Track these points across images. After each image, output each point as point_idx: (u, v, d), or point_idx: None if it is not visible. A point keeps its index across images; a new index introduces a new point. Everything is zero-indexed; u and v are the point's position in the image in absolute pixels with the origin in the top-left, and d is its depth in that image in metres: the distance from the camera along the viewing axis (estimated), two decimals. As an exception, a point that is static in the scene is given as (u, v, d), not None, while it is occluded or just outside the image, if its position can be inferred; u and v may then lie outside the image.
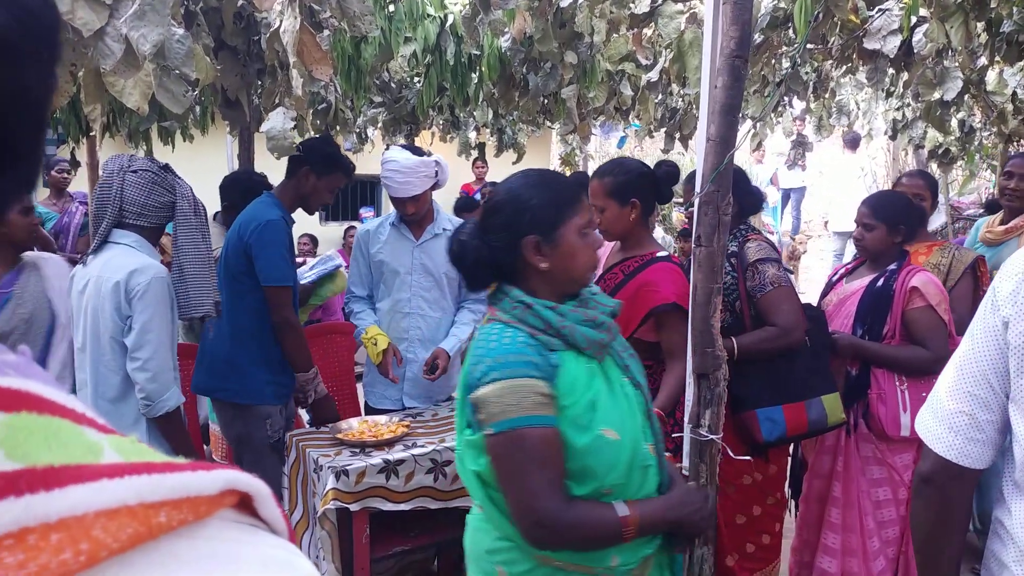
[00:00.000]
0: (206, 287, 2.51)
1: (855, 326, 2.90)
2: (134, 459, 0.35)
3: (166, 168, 2.50)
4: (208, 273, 2.52)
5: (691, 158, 11.89)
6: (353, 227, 8.79)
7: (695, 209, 2.02)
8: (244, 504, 0.39)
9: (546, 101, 5.26)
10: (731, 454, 2.08)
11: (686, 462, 2.06)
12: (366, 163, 10.41)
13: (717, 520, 2.80)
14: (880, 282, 2.88)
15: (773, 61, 4.62)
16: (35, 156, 0.39)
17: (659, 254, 2.60)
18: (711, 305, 1.96)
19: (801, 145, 10.22)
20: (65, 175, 6.15)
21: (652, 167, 2.70)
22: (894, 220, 2.91)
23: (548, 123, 6.90)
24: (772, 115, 7.12)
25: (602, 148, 13.71)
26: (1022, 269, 1.22)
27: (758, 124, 5.85)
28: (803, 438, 2.73)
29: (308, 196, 3.03)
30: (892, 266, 2.88)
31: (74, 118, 4.34)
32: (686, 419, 2.06)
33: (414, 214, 3.22)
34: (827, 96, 6.29)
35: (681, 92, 6.05)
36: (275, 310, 2.95)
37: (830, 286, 3.17)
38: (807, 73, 5.44)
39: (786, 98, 6.27)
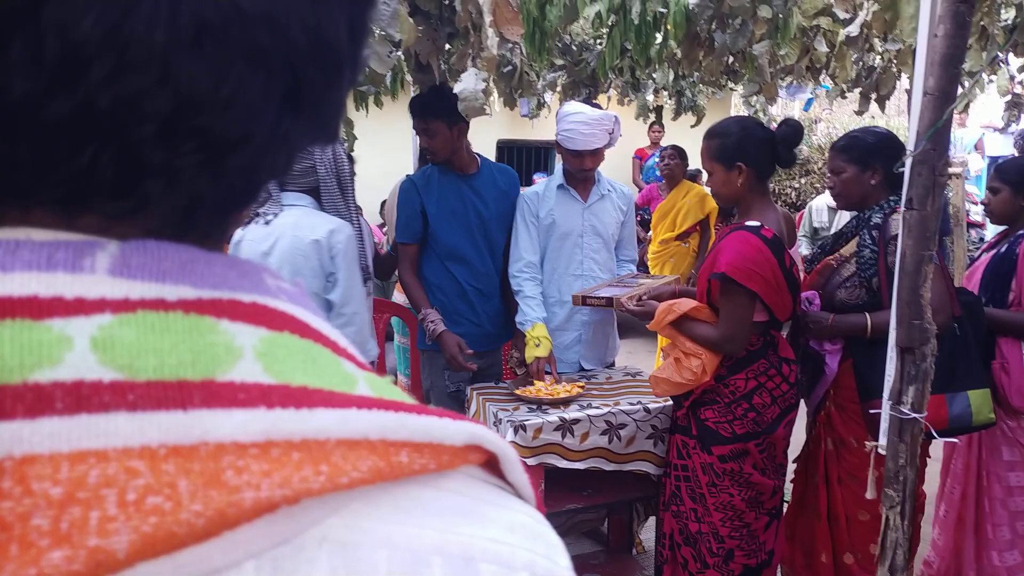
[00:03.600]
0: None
1: (980, 295, 2.75)
2: (385, 395, 0.34)
3: None
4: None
5: (886, 121, 11.05)
6: (527, 192, 8.89)
7: (907, 169, 1.87)
8: (491, 465, 0.38)
9: (731, 60, 5.04)
10: (935, 434, 1.93)
11: (883, 440, 1.94)
12: (542, 128, 10.50)
13: (839, 514, 2.65)
14: (1004, 248, 2.74)
15: (994, 10, 4.16)
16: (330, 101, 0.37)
17: (748, 223, 2.46)
18: (921, 274, 1.81)
19: (1016, 106, 9.20)
20: None
21: (753, 126, 2.57)
22: (1019, 182, 2.91)
23: (731, 84, 6.62)
24: (984, 73, 6.44)
25: (785, 110, 13.01)
26: None
27: (975, 79, 5.31)
28: (943, 436, 2.48)
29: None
30: (1021, 231, 2.72)
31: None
32: (885, 395, 1.93)
33: (591, 169, 3.19)
34: (1054, 50, 5.61)
35: (881, 48, 5.61)
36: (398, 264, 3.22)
37: (974, 261, 3.02)
38: (1033, 24, 4.87)
39: (1000, 53, 5.65)
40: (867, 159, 2.57)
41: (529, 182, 10.93)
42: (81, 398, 0.27)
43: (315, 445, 0.30)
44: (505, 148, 11.47)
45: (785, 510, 2.79)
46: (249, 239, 2.58)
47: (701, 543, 2.57)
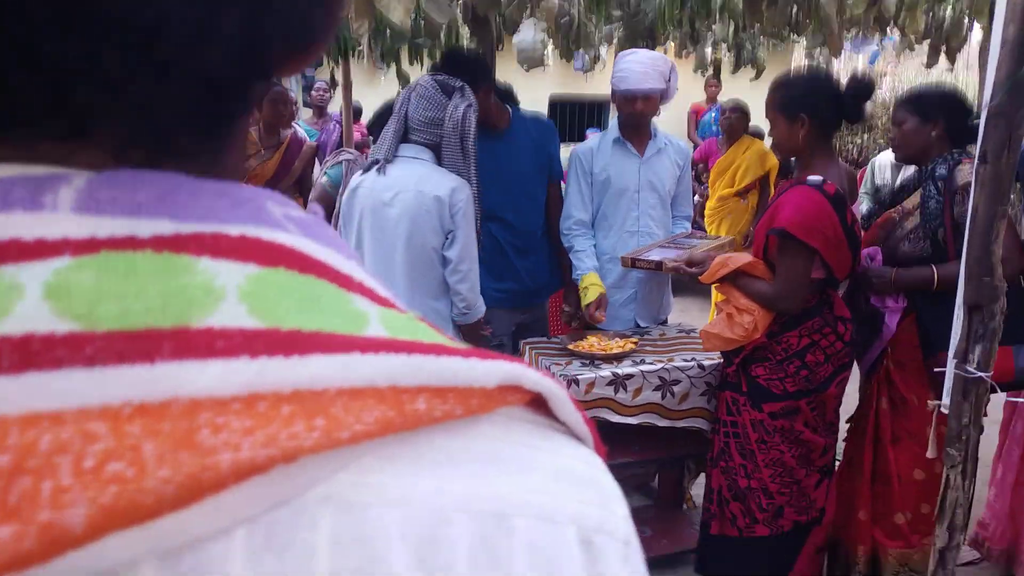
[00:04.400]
0: None
1: None
2: (402, 336, 0.30)
3: (457, 88, 2.57)
4: None
5: (954, 75, 10.60)
6: (580, 148, 8.78)
7: (982, 121, 1.81)
8: (539, 405, 0.33)
9: (795, 10, 4.88)
10: (999, 389, 1.89)
11: (946, 399, 1.90)
12: (596, 83, 10.34)
13: (890, 473, 2.63)
14: None
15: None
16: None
17: (810, 178, 2.40)
18: (993, 230, 1.76)
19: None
20: (323, 94, 6.66)
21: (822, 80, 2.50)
22: None
23: (793, 37, 6.42)
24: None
25: (849, 64, 12.57)
26: None
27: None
28: (1008, 388, 2.44)
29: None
30: None
31: (332, 40, 4.64)
32: (951, 353, 1.89)
33: (642, 113, 3.08)
34: None
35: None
36: None
37: None
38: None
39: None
40: (929, 111, 2.54)
41: (582, 138, 10.83)
42: (30, 354, 0.24)
43: (309, 396, 0.26)
44: (558, 104, 11.35)
45: (837, 469, 2.78)
46: (367, 186, 2.62)
47: (751, 498, 2.57)
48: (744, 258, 2.51)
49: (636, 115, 3.08)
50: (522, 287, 3.24)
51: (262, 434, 0.25)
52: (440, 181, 2.54)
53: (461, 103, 2.56)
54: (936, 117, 2.52)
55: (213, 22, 0.30)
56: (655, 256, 2.97)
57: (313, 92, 6.67)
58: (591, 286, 3.10)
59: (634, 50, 3.12)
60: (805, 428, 2.50)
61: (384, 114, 2.90)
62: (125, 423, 0.24)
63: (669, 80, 3.07)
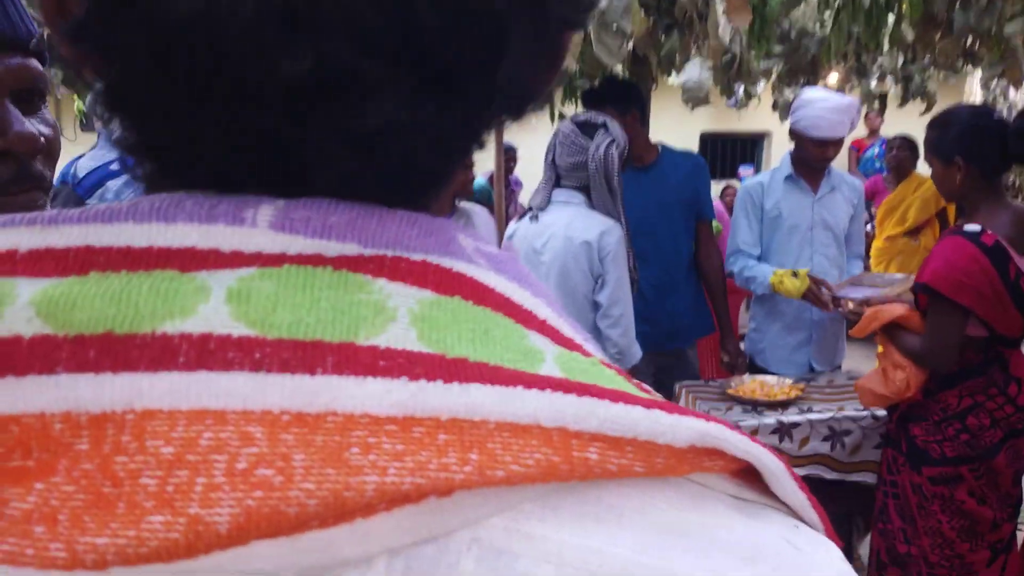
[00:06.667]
0: None
1: None
2: (578, 378, 0.28)
3: (599, 126, 2.56)
4: None
5: None
6: (731, 185, 8.57)
7: None
8: (750, 477, 0.30)
9: (970, 42, 4.59)
10: None
11: None
12: (749, 119, 10.10)
13: None
14: None
15: None
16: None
17: (967, 227, 2.17)
18: None
19: None
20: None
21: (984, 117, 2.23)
22: None
23: (968, 67, 6.03)
24: None
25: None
26: None
27: None
28: None
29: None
30: None
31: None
32: None
33: (829, 159, 3.00)
34: None
35: None
36: None
37: None
38: None
39: None
40: None
41: (734, 174, 10.59)
42: (205, 353, 0.25)
43: (468, 427, 0.25)
44: (709, 140, 11.18)
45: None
46: (522, 234, 2.65)
47: (911, 566, 2.38)
48: (898, 310, 2.35)
49: (826, 160, 3.01)
50: (658, 329, 3.09)
51: (411, 460, 0.24)
52: (588, 225, 2.49)
53: (603, 142, 2.52)
54: None
55: (431, 127, 0.30)
56: (858, 295, 2.79)
57: None
58: (785, 273, 2.92)
59: (824, 93, 3.02)
60: (969, 498, 2.27)
61: None
62: (281, 430, 0.24)
63: (854, 121, 3.00)
